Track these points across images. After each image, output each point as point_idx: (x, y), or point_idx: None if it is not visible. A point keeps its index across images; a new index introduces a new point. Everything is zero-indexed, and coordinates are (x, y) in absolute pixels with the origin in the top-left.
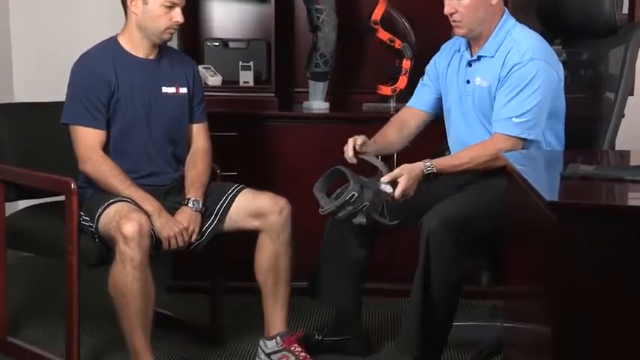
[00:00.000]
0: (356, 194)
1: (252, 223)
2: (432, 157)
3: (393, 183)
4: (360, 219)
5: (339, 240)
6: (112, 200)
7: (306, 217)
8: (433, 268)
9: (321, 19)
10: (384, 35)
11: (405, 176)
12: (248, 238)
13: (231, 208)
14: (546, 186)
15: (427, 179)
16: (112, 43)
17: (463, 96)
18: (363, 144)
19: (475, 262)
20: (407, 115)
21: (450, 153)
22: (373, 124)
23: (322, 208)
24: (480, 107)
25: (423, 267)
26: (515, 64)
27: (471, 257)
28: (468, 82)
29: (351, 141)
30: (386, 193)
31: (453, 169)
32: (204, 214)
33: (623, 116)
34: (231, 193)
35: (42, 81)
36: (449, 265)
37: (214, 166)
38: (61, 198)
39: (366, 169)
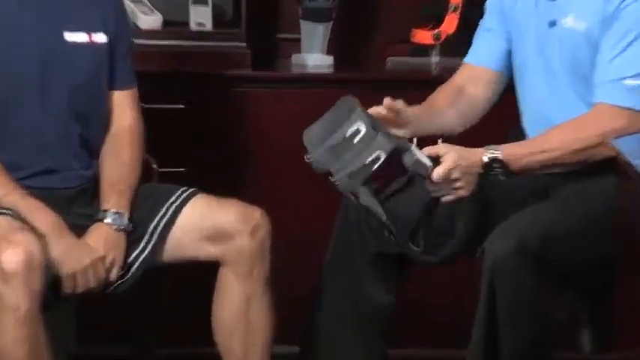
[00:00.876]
0: (382, 156)
1: (209, 251)
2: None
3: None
4: (374, 206)
5: (349, 275)
6: None
7: (296, 239)
8: (502, 321)
9: None
10: None
11: (451, 154)
12: (202, 274)
13: (176, 227)
14: None
15: (488, 178)
16: None
17: (546, 45)
18: (400, 112)
19: (569, 311)
20: (466, 79)
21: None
22: (404, 89)
23: (308, 156)
24: (573, 63)
25: (486, 319)
26: None
27: (563, 304)
28: (553, 23)
29: (386, 101)
30: (422, 164)
31: (531, 161)
32: (132, 235)
33: None
34: (175, 202)
35: None
36: (528, 315)
37: (148, 159)
38: None
39: None
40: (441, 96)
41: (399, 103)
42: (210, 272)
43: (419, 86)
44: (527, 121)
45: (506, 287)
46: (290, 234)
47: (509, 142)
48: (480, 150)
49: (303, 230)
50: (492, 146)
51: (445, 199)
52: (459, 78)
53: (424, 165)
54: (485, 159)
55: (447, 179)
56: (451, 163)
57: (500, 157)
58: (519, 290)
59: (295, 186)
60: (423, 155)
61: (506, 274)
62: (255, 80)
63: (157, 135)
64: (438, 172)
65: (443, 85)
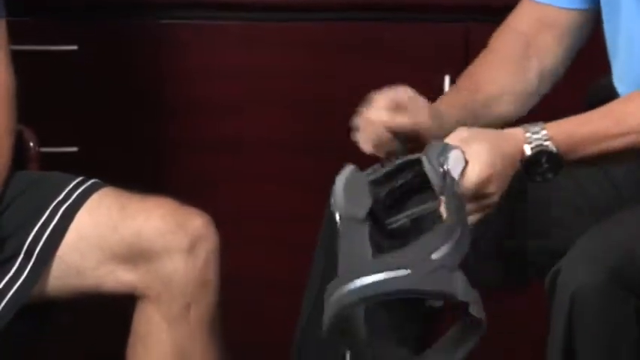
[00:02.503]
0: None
1: (120, 278)
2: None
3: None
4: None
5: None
6: None
7: (259, 260)
8: None
9: None
10: None
11: (478, 144)
12: (113, 311)
13: (67, 241)
14: None
15: (533, 180)
16: None
17: None
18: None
19: None
20: (534, 26)
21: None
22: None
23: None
24: None
25: None
26: None
27: None
28: None
29: (375, 110)
30: (450, 177)
31: (596, 149)
32: None
33: None
34: (65, 201)
35: None
36: None
37: (23, 132)
38: None
39: None
40: (492, 67)
41: (406, 92)
42: (126, 308)
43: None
44: (622, 74)
45: (593, 332)
46: (250, 251)
47: (594, 106)
48: (516, 134)
49: (270, 245)
50: (533, 126)
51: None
52: (519, 22)
53: (450, 176)
54: (529, 150)
55: (476, 196)
56: (484, 171)
57: (551, 148)
58: (614, 334)
59: (257, 179)
60: (454, 154)
61: (595, 316)
62: (183, 7)
63: (37, 95)
64: (470, 183)
65: (494, 40)
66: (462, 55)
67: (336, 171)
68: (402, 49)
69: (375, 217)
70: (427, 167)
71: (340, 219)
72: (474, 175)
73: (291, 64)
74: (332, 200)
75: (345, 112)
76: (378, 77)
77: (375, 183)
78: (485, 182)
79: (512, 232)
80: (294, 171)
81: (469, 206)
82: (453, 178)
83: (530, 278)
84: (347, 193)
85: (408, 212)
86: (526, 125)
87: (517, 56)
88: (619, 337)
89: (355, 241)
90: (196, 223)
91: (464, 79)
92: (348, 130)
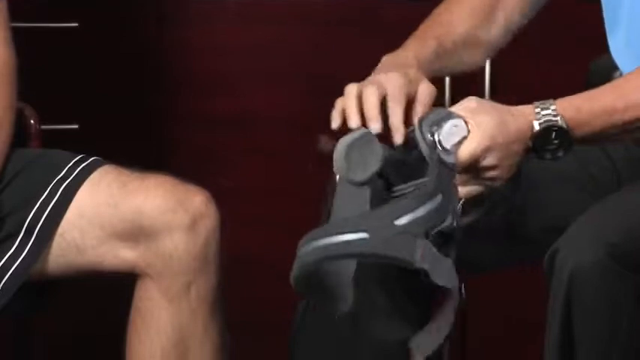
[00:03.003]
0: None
1: (121, 256)
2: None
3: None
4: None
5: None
6: None
7: (261, 237)
8: (586, 350)
9: None
10: None
11: (482, 126)
12: (114, 289)
13: (68, 218)
14: None
15: (542, 157)
16: None
17: None
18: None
19: None
20: None
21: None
22: None
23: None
24: None
25: (561, 344)
26: None
27: None
28: None
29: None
30: (445, 147)
31: (603, 125)
32: None
33: None
34: (65, 178)
35: None
36: (622, 347)
37: (23, 109)
38: None
39: None
40: (461, 13)
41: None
42: (127, 287)
43: None
44: (623, 48)
45: (592, 311)
46: (252, 229)
47: (595, 85)
48: (525, 110)
49: (271, 222)
50: (543, 102)
51: (466, 192)
52: None
53: (446, 145)
54: (537, 126)
55: (474, 167)
56: (482, 143)
57: (560, 123)
58: (613, 313)
59: (257, 156)
60: (453, 122)
61: (593, 295)
62: None
63: (38, 72)
64: (463, 156)
65: None
66: None
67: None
68: (401, 26)
69: (387, 181)
70: (417, 135)
71: (338, 180)
72: (470, 146)
73: (289, 41)
74: (334, 159)
75: (344, 89)
76: (376, 54)
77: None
78: (481, 154)
79: (512, 209)
80: (293, 147)
81: (463, 177)
82: (443, 148)
83: (526, 257)
84: (349, 155)
85: (413, 182)
86: (536, 102)
87: (484, 7)
88: (618, 314)
89: (346, 203)
90: (197, 200)
91: (429, 25)
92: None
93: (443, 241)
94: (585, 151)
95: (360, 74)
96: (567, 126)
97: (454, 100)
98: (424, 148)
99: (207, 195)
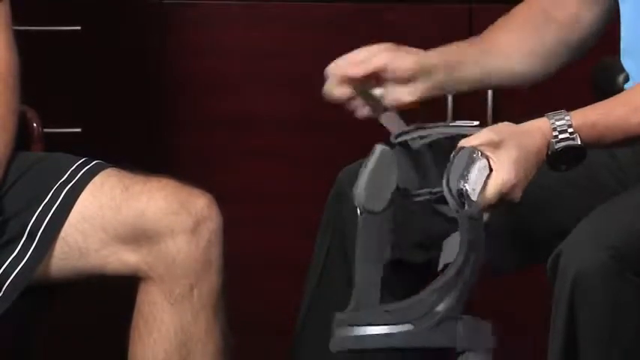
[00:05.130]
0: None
1: (124, 259)
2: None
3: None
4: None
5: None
6: None
7: (263, 240)
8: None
9: None
10: None
11: (507, 151)
12: (117, 292)
13: (70, 222)
14: None
15: (558, 170)
16: None
17: None
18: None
19: None
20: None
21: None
22: None
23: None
24: None
25: (565, 351)
26: None
27: None
28: None
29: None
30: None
31: (621, 133)
32: None
33: None
34: (68, 182)
35: None
36: (627, 352)
37: (26, 112)
38: None
39: None
40: (506, 26)
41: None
42: (129, 290)
43: None
44: (630, 50)
45: (598, 310)
46: (254, 230)
47: (599, 84)
48: (542, 128)
49: (272, 224)
50: (558, 117)
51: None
52: None
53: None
54: (556, 145)
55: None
56: (508, 182)
57: (577, 142)
58: (617, 316)
59: (260, 158)
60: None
61: (597, 298)
62: None
63: (41, 76)
64: (488, 198)
65: (513, 10)
66: (465, 37)
67: (337, 150)
68: (404, 30)
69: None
70: (444, 185)
71: (360, 213)
72: (496, 187)
73: (291, 44)
74: (353, 192)
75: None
76: None
77: (408, 146)
78: (507, 193)
79: (516, 211)
80: (295, 149)
81: (486, 209)
82: (470, 201)
83: (529, 261)
84: (370, 183)
85: (431, 190)
86: (550, 115)
87: (536, 20)
88: (621, 317)
89: (370, 233)
90: (199, 203)
91: (477, 38)
92: (348, 109)
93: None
94: (590, 153)
95: None
96: (584, 143)
97: (456, 106)
98: (453, 207)
99: (210, 197)
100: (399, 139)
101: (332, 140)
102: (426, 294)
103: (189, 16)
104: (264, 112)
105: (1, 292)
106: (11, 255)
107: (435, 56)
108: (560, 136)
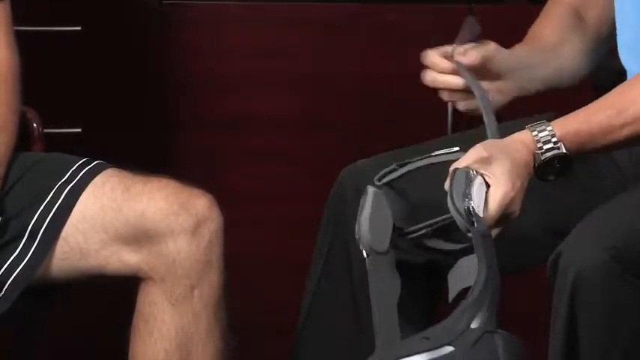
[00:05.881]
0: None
1: (124, 259)
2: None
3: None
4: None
5: (348, 301)
6: None
7: (265, 241)
8: (591, 353)
9: None
10: None
11: (499, 165)
12: (117, 292)
13: (71, 222)
14: None
15: (548, 174)
16: None
17: None
18: (490, 59)
19: None
20: None
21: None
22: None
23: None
24: None
25: (566, 349)
26: None
27: None
28: None
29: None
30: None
31: (604, 142)
32: (0, 235)
33: None
34: (69, 182)
35: None
36: (627, 352)
37: (26, 113)
38: None
39: None
40: (549, 24)
41: (486, 49)
42: (130, 290)
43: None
44: (629, 49)
45: (598, 310)
46: (254, 230)
47: (599, 84)
48: (525, 140)
49: (272, 225)
50: (540, 129)
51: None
52: None
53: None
54: (541, 158)
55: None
56: (507, 194)
57: (562, 151)
58: (617, 316)
59: (259, 158)
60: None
61: (597, 294)
62: None
63: (41, 76)
64: (490, 214)
65: (548, 7)
66: None
67: (337, 150)
68: (404, 30)
69: (400, 229)
70: (452, 210)
71: (367, 255)
72: (498, 201)
73: (291, 44)
74: (356, 234)
75: (346, 92)
76: (379, 58)
77: (392, 185)
78: (508, 206)
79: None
80: (295, 149)
81: (492, 227)
82: (478, 218)
83: (529, 261)
84: (371, 225)
85: (427, 223)
86: (532, 127)
87: (571, 17)
88: (621, 318)
89: (384, 284)
90: (200, 203)
91: (528, 35)
92: (348, 108)
93: None
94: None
95: (361, 77)
96: (568, 151)
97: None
98: (462, 225)
99: (211, 198)
100: (384, 181)
101: (332, 140)
102: (458, 313)
103: (189, 16)
104: (264, 112)
105: (2, 292)
106: (12, 255)
107: (521, 54)
108: (545, 147)
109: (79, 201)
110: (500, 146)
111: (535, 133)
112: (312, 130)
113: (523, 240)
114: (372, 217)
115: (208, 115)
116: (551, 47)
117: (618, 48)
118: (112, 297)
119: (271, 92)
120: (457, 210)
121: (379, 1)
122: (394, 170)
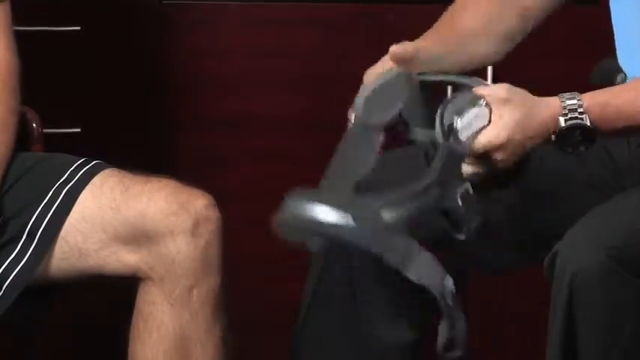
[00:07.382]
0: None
1: (123, 259)
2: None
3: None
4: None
5: (348, 300)
6: None
7: (263, 241)
8: (589, 354)
9: None
10: None
11: (511, 110)
12: (116, 292)
13: (70, 222)
14: None
15: (564, 151)
16: None
17: None
18: (412, 56)
19: None
20: None
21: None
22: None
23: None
24: None
25: (564, 349)
26: None
27: None
28: None
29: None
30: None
31: (632, 116)
32: None
33: None
34: (67, 182)
35: None
36: (626, 352)
37: (25, 113)
38: None
39: None
40: (471, 13)
41: (408, 47)
42: (130, 289)
43: None
44: (625, 50)
45: (596, 310)
46: (254, 230)
47: (598, 87)
48: (552, 103)
49: (273, 225)
50: (570, 97)
51: (469, 172)
52: None
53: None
54: (563, 122)
55: (484, 155)
56: (499, 138)
57: (585, 122)
58: (615, 316)
59: (259, 158)
60: (477, 106)
61: (594, 293)
62: None
63: (40, 76)
64: (481, 143)
65: None
66: None
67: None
68: (405, 31)
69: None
70: (437, 118)
71: (353, 122)
72: (486, 139)
73: (292, 44)
74: (355, 100)
75: (347, 91)
76: (379, 58)
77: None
78: (495, 148)
79: (515, 210)
80: (295, 149)
81: (470, 160)
82: (457, 138)
83: (527, 260)
84: (372, 98)
85: (425, 131)
86: (562, 95)
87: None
88: (619, 317)
89: (354, 147)
90: (199, 204)
91: (442, 20)
92: (348, 108)
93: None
94: (587, 153)
95: (361, 77)
96: (593, 123)
97: None
98: (438, 135)
99: (210, 198)
100: (421, 78)
101: (332, 140)
102: (382, 195)
103: (189, 16)
104: (264, 112)
105: (1, 292)
106: (11, 255)
107: (431, 52)
108: (570, 115)
109: (77, 201)
110: (524, 97)
111: (564, 99)
112: (312, 130)
113: (522, 238)
114: (379, 89)
115: (208, 115)
116: (467, 39)
117: (617, 51)
118: (111, 297)
119: (271, 92)
120: (441, 118)
121: (379, 1)
122: (433, 74)
